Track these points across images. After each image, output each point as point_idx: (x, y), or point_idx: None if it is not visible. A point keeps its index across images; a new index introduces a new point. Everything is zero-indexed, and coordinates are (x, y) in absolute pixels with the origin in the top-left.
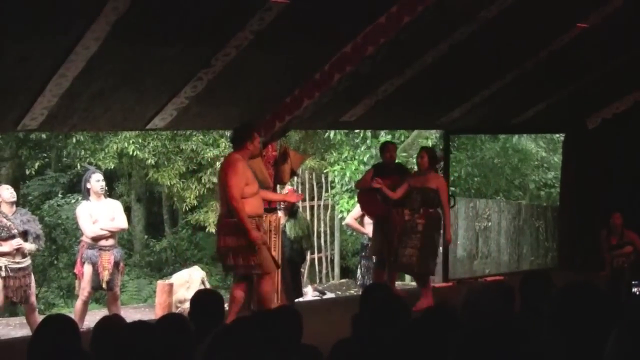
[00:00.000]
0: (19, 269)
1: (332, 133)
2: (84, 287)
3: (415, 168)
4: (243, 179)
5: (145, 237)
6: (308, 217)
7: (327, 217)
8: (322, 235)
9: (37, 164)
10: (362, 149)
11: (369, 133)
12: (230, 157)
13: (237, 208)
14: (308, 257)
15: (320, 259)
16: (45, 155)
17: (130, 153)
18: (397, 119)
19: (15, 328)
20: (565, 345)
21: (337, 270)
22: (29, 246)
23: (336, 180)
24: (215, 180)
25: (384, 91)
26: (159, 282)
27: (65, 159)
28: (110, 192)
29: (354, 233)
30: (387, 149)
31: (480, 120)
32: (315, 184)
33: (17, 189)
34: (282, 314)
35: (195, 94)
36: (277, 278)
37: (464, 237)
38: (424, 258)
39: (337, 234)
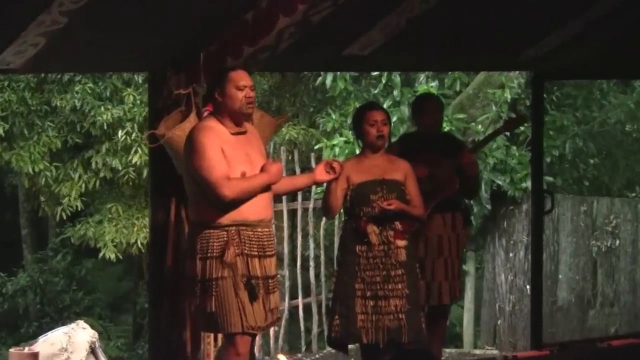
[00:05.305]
0: None
1: (328, 78)
2: None
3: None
4: (218, 150)
5: None
6: (285, 229)
7: (320, 231)
8: (312, 263)
9: None
10: (385, 105)
11: (396, 77)
12: (194, 126)
13: (225, 195)
14: (286, 304)
15: (307, 308)
16: None
17: None
18: (445, 54)
19: None
20: None
21: None
22: None
23: None
24: (115, 163)
25: (422, 3)
26: (13, 350)
27: None
28: None
29: None
30: (427, 108)
31: (595, 56)
32: (298, 169)
33: None
34: None
35: (78, 7)
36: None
37: (571, 266)
38: (414, 312)
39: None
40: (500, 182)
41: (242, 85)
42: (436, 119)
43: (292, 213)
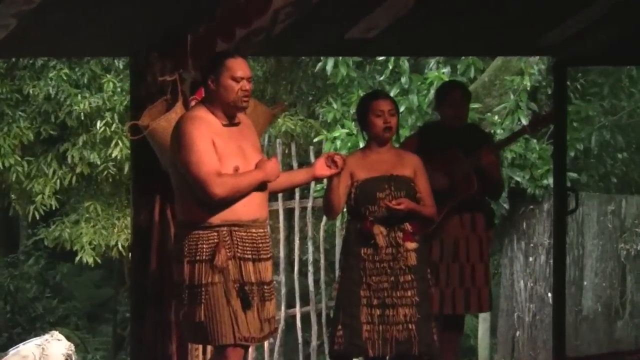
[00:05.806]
0: None
1: (329, 63)
2: None
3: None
4: (208, 143)
5: None
6: (281, 231)
7: (320, 233)
8: (311, 268)
9: None
10: (392, 94)
11: (404, 63)
12: (182, 116)
13: (215, 193)
14: (282, 313)
15: (305, 317)
16: None
17: None
18: (458, 37)
19: None
20: None
21: None
22: None
23: None
24: (93, 158)
25: None
26: None
27: None
28: None
29: None
30: (451, 97)
31: (623, 40)
32: (296, 164)
33: None
34: None
35: None
36: None
37: (597, 272)
38: (425, 322)
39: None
40: (519, 179)
41: (239, 77)
42: (459, 111)
43: (289, 213)
